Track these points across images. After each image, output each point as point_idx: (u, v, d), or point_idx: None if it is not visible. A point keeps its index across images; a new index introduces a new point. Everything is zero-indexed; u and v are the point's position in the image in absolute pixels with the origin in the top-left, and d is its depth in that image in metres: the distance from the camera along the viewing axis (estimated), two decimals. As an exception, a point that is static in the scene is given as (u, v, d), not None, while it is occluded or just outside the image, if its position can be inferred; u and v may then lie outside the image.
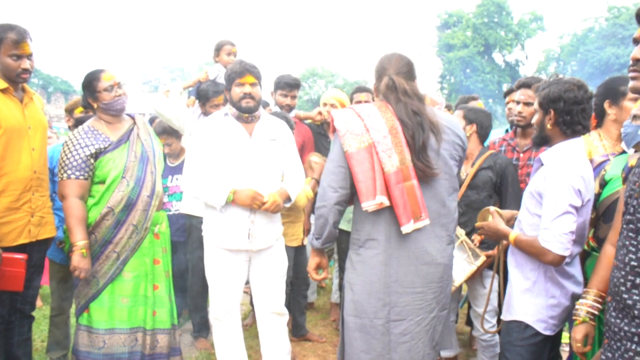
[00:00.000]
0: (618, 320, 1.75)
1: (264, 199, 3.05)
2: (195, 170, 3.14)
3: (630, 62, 1.86)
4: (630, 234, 1.75)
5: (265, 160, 3.18)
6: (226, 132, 3.15)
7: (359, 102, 4.22)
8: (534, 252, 2.35)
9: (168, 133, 4.10)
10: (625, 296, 1.72)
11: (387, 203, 2.31)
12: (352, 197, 2.45)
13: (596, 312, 2.14)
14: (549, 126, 2.43)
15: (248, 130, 3.18)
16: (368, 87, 4.41)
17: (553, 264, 2.30)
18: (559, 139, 2.42)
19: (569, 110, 2.36)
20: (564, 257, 2.26)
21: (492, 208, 2.69)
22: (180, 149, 4.26)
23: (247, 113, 3.16)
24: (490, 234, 2.64)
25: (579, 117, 2.36)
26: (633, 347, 1.68)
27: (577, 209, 2.27)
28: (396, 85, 2.41)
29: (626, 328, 1.71)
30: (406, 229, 2.32)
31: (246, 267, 3.24)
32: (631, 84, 1.86)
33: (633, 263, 1.71)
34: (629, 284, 1.72)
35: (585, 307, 2.16)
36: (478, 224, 2.70)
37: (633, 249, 1.73)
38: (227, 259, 3.16)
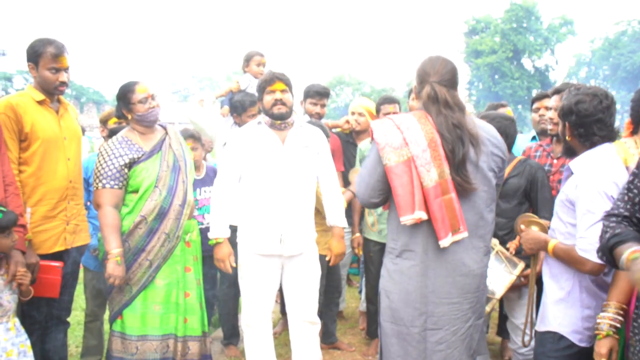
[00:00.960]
0: None
1: (231, 266, 3.22)
2: (222, 183, 3.22)
3: None
4: None
5: (298, 167, 3.20)
6: (259, 141, 3.20)
7: (387, 113, 4.19)
8: (572, 262, 2.30)
9: (194, 138, 4.17)
10: None
11: (425, 218, 2.29)
12: (386, 201, 2.48)
13: (618, 325, 2.09)
14: (567, 137, 2.41)
15: (281, 137, 3.22)
16: (395, 98, 4.41)
17: (592, 273, 2.26)
18: (581, 150, 2.40)
19: (582, 123, 2.34)
20: (603, 266, 2.20)
21: (522, 221, 2.65)
22: (201, 160, 4.29)
23: (279, 120, 3.19)
24: (530, 242, 2.61)
25: (594, 128, 2.33)
26: None
27: None
28: (438, 96, 2.37)
29: None
30: (444, 242, 2.31)
31: (279, 274, 3.26)
32: None
33: None
34: None
35: (607, 320, 2.12)
36: (522, 229, 2.67)
37: None
38: (260, 264, 3.19)
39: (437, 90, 2.38)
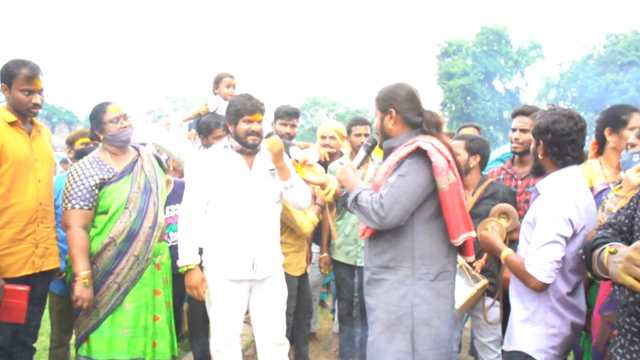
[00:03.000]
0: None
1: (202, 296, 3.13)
2: (190, 207, 3.14)
3: None
4: None
5: (264, 191, 3.20)
6: (225, 165, 3.16)
7: (359, 134, 4.26)
8: (519, 275, 2.39)
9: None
10: None
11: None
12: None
13: None
14: (540, 156, 2.47)
15: (248, 162, 3.20)
16: (366, 119, 4.46)
17: (536, 290, 2.34)
18: (552, 169, 2.47)
19: (557, 142, 2.40)
20: (546, 285, 2.29)
21: (492, 222, 2.72)
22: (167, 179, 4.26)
23: (250, 149, 3.17)
24: (486, 246, 2.68)
25: (567, 148, 2.40)
26: None
27: (566, 238, 2.29)
28: (441, 123, 2.59)
29: None
30: (470, 259, 2.69)
31: (247, 298, 3.25)
32: None
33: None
34: None
35: None
36: (480, 233, 2.73)
37: None
38: (228, 289, 3.16)
39: (440, 117, 2.60)
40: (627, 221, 1.93)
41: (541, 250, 2.29)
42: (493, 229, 2.69)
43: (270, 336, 3.29)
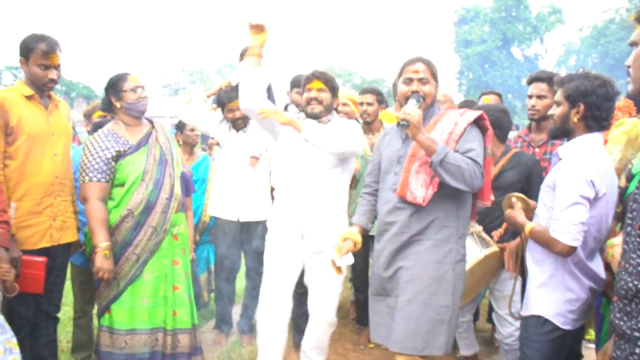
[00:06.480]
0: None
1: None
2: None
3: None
4: None
5: (322, 163, 3.18)
6: (292, 134, 3.23)
7: (362, 103, 4.24)
8: (545, 243, 2.35)
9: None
10: None
11: None
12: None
13: None
14: (575, 119, 2.39)
15: None
16: (374, 88, 4.42)
17: (562, 254, 2.30)
18: (581, 133, 2.40)
19: (599, 106, 2.34)
20: (573, 248, 2.26)
21: (514, 198, 2.67)
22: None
23: (311, 118, 3.22)
24: (510, 223, 2.68)
25: (608, 113, 2.36)
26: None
27: (589, 200, 2.25)
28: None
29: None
30: (487, 203, 2.87)
31: (299, 264, 3.30)
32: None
33: None
34: None
35: None
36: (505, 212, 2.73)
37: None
38: (281, 252, 3.27)
39: None
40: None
41: (565, 213, 2.25)
42: (515, 206, 2.65)
43: (319, 312, 3.29)
